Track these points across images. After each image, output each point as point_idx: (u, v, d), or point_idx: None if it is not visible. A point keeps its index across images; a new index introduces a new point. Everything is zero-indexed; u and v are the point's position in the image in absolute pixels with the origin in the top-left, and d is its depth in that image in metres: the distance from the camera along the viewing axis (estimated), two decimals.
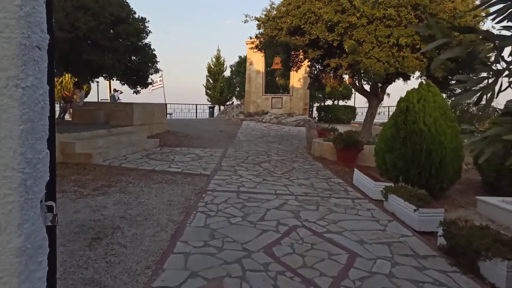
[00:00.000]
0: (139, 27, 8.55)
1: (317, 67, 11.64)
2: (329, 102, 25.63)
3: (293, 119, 16.35)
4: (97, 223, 3.98)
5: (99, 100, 24.96)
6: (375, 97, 9.58)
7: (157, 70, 10.42)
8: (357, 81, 10.15)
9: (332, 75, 11.50)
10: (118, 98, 20.88)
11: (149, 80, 10.61)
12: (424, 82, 6.40)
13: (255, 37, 9.82)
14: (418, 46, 7.29)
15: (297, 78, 17.88)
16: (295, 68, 11.68)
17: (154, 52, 10.16)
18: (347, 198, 5.65)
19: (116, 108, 10.02)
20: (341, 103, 24.58)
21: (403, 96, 6.33)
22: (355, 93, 25.28)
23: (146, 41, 9.69)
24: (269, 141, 11.55)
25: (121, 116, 9.65)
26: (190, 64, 77.32)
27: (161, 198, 5.06)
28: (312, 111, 23.65)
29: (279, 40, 8.85)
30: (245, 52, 20.98)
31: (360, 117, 26.33)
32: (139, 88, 10.86)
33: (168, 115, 25.42)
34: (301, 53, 11.39)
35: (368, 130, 9.71)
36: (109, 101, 21.44)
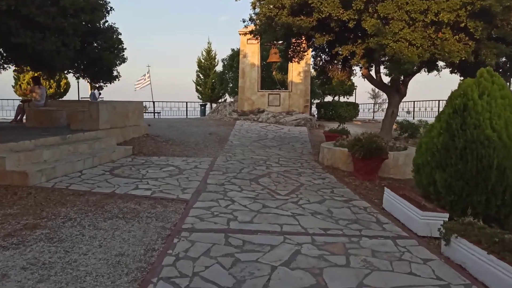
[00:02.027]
0: (94, 1, 6.63)
1: (323, 57, 9.87)
2: (328, 99, 23.97)
3: (292, 118, 14.58)
4: None
5: (80, 99, 23.02)
6: (396, 92, 7.84)
7: (123, 60, 8.48)
8: (373, 73, 8.40)
9: (340, 66, 9.75)
10: (99, 95, 18.85)
11: (115, 73, 8.67)
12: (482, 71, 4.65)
13: (249, 19, 8.02)
14: (463, 24, 5.55)
15: (297, 71, 16.09)
16: (296, 59, 9.90)
17: (120, 36, 8.22)
18: (385, 237, 3.90)
19: (78, 108, 8.14)
20: (341, 99, 22.90)
21: (455, 90, 4.59)
22: (356, 89, 23.69)
23: (109, 22, 7.79)
24: (267, 146, 9.76)
25: (84, 118, 7.80)
26: (182, 61, 75.20)
27: (108, 249, 3.27)
28: (311, 108, 21.91)
29: (279, 22, 7.05)
30: (238, 45, 19.16)
31: (362, 114, 24.76)
32: (102, 83, 8.96)
33: (155, 114, 23.56)
34: (304, 41, 9.62)
35: (389, 133, 7.98)
36: (89, 100, 19.49)
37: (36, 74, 9.85)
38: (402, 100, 24.05)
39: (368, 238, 3.82)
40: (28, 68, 8.09)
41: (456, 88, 4.57)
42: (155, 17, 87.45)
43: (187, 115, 24.34)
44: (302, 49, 9.83)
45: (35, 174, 5.08)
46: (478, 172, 4.04)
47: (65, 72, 8.59)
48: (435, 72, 8.65)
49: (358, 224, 4.24)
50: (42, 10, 5.28)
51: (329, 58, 9.91)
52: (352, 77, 9.94)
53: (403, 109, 21.69)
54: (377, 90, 26.54)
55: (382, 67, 8.22)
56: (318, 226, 4.11)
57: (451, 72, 8.62)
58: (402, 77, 7.93)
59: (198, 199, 4.85)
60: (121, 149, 7.39)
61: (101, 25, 7.65)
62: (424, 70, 7.81)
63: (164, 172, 6.24)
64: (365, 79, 9.86)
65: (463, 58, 5.65)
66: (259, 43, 16.16)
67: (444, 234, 3.59)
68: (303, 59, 10.10)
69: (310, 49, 10.25)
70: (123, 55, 8.46)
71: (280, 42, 11.33)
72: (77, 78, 8.84)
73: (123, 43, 8.29)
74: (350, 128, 15.42)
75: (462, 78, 8.35)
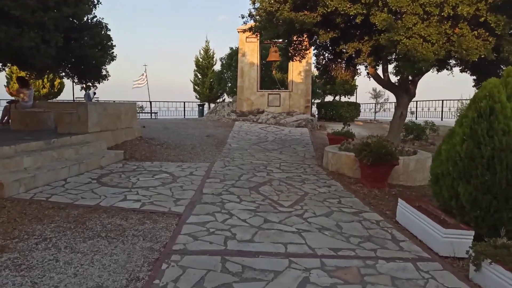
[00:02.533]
0: None
1: (326, 55, 9.39)
2: (328, 99, 23.48)
3: (293, 119, 14.09)
4: None
5: (75, 99, 22.47)
6: (405, 93, 7.36)
7: (113, 58, 7.92)
8: (380, 72, 7.92)
9: (344, 65, 9.27)
10: (94, 95, 18.29)
11: (104, 72, 8.11)
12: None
13: (249, 15, 7.52)
14: (482, 18, 5.08)
15: (298, 71, 15.60)
16: (298, 58, 9.43)
17: (109, 33, 7.63)
18: (404, 259, 3.42)
19: (66, 109, 7.63)
20: (342, 99, 22.42)
21: (478, 91, 4.11)
22: (357, 88, 23.21)
23: (97, 17, 7.18)
24: (267, 149, 9.28)
25: (71, 120, 7.29)
26: (180, 60, 74.65)
27: (84, 279, 2.78)
28: (311, 108, 21.41)
29: (280, 17, 6.56)
30: (237, 44, 18.66)
31: (363, 114, 24.26)
32: (90, 84, 8.42)
33: (152, 114, 23.03)
34: (306, 39, 9.15)
35: (397, 136, 7.51)
36: (84, 100, 18.94)
37: (22, 74, 9.33)
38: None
39: (385, 261, 3.34)
40: (9, 65, 7.53)
41: (480, 89, 4.10)
42: (153, 14, 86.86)
43: (184, 115, 23.83)
44: (304, 47, 9.36)
45: (12, 184, 4.59)
46: (509, 185, 3.58)
47: (48, 71, 7.99)
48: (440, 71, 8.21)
49: (372, 243, 3.76)
50: (19, 2, 4.76)
51: (332, 57, 9.44)
52: (356, 77, 9.44)
53: (410, 109, 21.24)
54: (378, 89, 26.13)
55: (390, 66, 7.74)
56: (327, 245, 3.63)
57: (462, 71, 8.15)
58: (410, 77, 7.45)
59: (193, 213, 4.36)
60: (111, 154, 6.89)
61: (89, 20, 7.10)
62: (435, 69, 7.33)
63: (156, 180, 5.75)
64: (370, 78, 9.40)
65: (482, 56, 5.18)
66: (258, 41, 15.68)
67: (474, 258, 3.11)
68: (305, 57, 9.63)
69: (312, 48, 9.76)
70: (112, 52, 7.91)
71: (281, 40, 10.86)
72: (61, 78, 8.32)
73: (112, 40, 7.72)
74: (353, 129, 14.98)
75: (474, 77, 7.88)
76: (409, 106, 21.80)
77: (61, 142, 6.46)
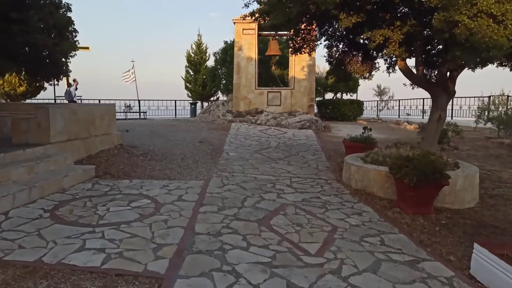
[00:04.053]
0: None
1: (340, 47, 7.98)
2: (327, 96, 22.12)
3: (296, 120, 12.69)
4: None
5: (55, 98, 20.75)
6: (443, 91, 5.99)
7: (74, 47, 6.24)
8: (410, 64, 6.53)
9: (361, 58, 7.88)
10: (76, 92, 16.54)
11: (64, 67, 6.50)
12: None
13: None
14: None
15: (300, 66, 14.17)
16: (307, 50, 8.02)
17: (69, 14, 5.91)
18: None
19: (21, 115, 6.10)
20: (344, 96, 21.09)
21: None
22: (359, 85, 21.86)
23: None
24: (271, 158, 7.85)
25: (29, 128, 5.79)
26: (171, 57, 72.79)
27: None
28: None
29: None
30: (231, 37, 17.16)
31: (365, 112, 22.94)
32: (45, 81, 6.86)
33: (141, 114, 21.44)
34: (316, 28, 7.76)
35: (434, 144, 6.15)
36: (64, 99, 17.27)
37: None
38: (410, 98, 21.91)
39: None
40: None
41: None
42: (142, 9, 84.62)
43: (176, 114, 22.31)
44: (313, 38, 7.95)
45: None
46: None
47: None
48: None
49: None
50: None
51: (347, 49, 8.04)
52: (373, 72, 8.05)
53: (417, 107, 20.01)
54: (383, 86, 24.81)
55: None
56: None
57: (501, 64, 6.79)
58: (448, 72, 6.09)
59: (180, 273, 2.93)
60: (78, 171, 5.41)
61: None
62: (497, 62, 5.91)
63: (132, 211, 4.29)
64: (390, 74, 8.03)
65: None
66: (256, 34, 14.22)
67: None
68: (315, 49, 8.22)
69: (323, 38, 8.34)
70: (75, 41, 6.26)
71: (286, 32, 9.45)
72: (10, 74, 6.73)
73: (73, 24, 6.02)
74: (360, 130, 13.64)
75: None
76: (414, 103, 20.80)
77: (10, 158, 4.96)
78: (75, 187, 5.15)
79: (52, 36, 5.62)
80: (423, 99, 19.67)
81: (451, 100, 18.08)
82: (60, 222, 3.89)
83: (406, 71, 6.36)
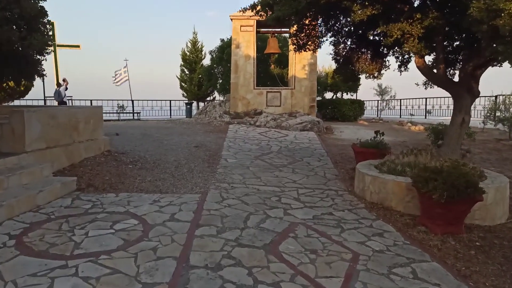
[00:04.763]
0: None
1: (348, 43, 7.36)
2: (327, 96, 21.50)
3: (297, 121, 12.05)
4: None
5: (45, 99, 19.92)
6: (467, 92, 5.38)
7: (47, 43, 5.45)
8: (431, 63, 5.92)
9: (370, 55, 7.26)
10: (66, 92, 15.74)
11: (38, 66, 5.71)
12: None
13: None
14: None
15: (301, 65, 13.53)
16: (312, 47, 7.39)
17: (41, 4, 5.02)
18: None
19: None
20: (344, 96, 20.50)
21: None
22: (360, 85, 21.25)
23: None
24: (274, 165, 7.20)
25: (2, 134, 5.10)
26: (166, 56, 71.93)
27: None
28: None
29: None
30: (228, 34, 16.45)
31: (365, 112, 22.32)
32: (14, 85, 6.11)
33: (135, 115, 20.69)
34: (321, 23, 7.14)
35: (456, 149, 5.53)
36: (54, 99, 16.46)
37: None
38: (415, 97, 21.25)
39: None
40: None
41: None
42: (136, 7, 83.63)
43: (171, 115, 21.60)
44: (318, 34, 7.33)
45: None
46: None
47: None
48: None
49: None
50: None
51: (354, 46, 7.42)
52: (383, 71, 7.43)
53: (419, 107, 19.45)
54: (384, 86, 24.16)
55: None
56: None
57: None
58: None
59: None
60: (56, 184, 4.73)
61: None
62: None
63: (115, 236, 3.63)
64: (402, 73, 7.43)
65: None
66: (255, 31, 13.56)
67: None
68: (320, 47, 7.60)
69: (329, 34, 7.71)
70: (50, 35, 5.47)
71: (287, 29, 8.81)
72: None
73: (47, 16, 5.15)
74: (363, 131, 13.04)
75: None
76: (419, 103, 20.16)
77: None
78: (52, 203, 4.47)
79: (20, 29, 4.88)
80: (426, 98, 19.14)
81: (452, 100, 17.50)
82: (26, 253, 3.22)
83: (425, 70, 5.74)
